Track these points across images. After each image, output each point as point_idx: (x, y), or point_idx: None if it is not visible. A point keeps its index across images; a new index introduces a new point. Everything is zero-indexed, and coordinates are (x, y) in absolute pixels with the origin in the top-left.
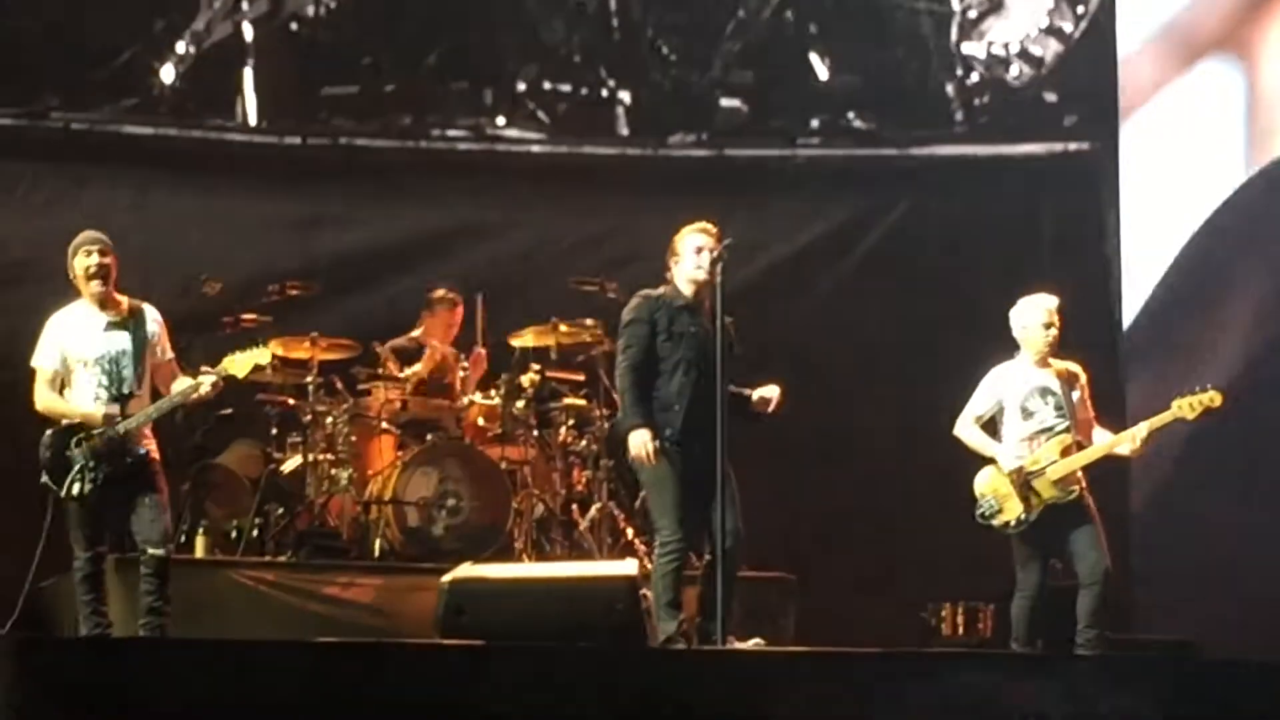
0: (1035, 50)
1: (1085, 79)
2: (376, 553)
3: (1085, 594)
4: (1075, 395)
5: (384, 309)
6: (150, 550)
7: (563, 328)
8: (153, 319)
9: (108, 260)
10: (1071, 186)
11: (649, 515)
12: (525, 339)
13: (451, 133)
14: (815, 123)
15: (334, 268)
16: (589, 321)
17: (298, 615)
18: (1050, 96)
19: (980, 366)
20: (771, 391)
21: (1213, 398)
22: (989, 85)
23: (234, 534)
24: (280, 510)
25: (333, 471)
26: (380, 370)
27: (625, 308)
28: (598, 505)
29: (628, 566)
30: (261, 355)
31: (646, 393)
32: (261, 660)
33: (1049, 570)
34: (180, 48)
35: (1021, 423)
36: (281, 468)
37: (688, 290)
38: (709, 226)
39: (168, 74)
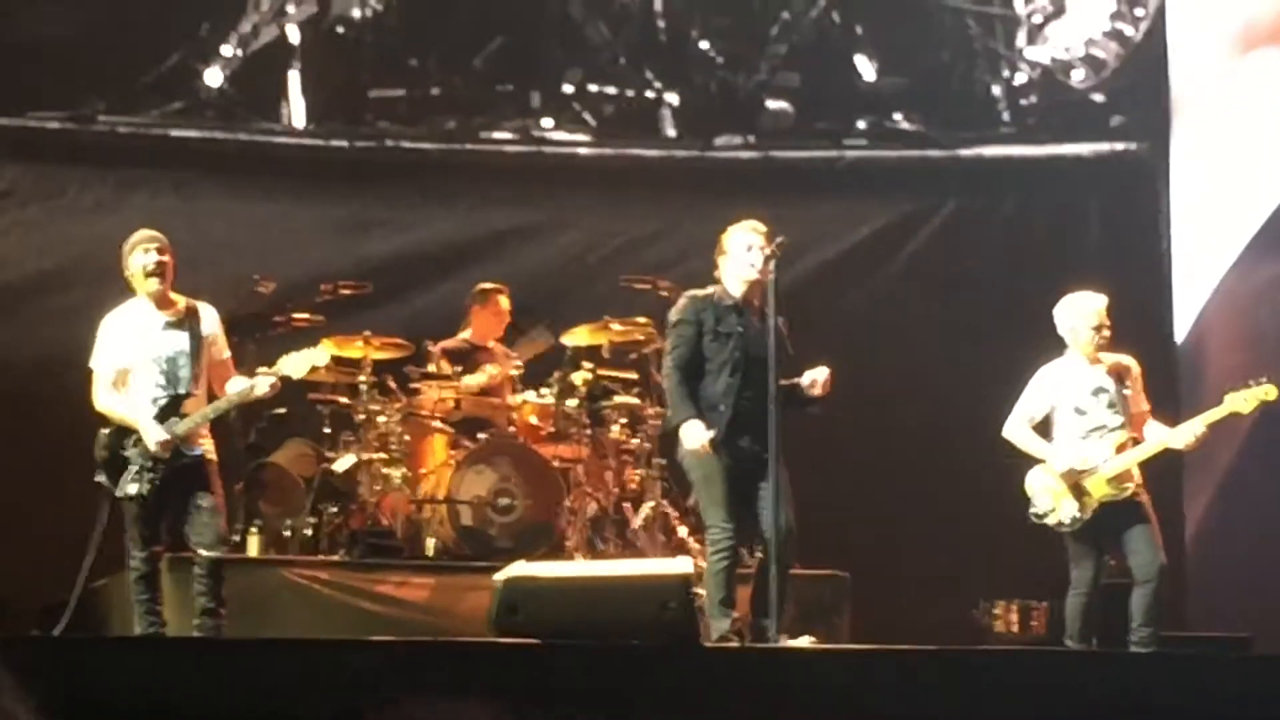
0: (1099, 54)
1: (1135, 80)
2: (430, 551)
3: (1140, 591)
4: (1127, 391)
5: (432, 311)
6: (204, 552)
7: (614, 326)
8: (210, 318)
9: (166, 258)
10: (1120, 187)
11: (700, 513)
12: (577, 337)
13: (498, 135)
14: (861, 124)
15: (381, 270)
16: (641, 320)
17: (352, 614)
18: (1098, 97)
19: (1027, 366)
20: (820, 373)
21: (1268, 391)
22: (1036, 86)
23: (288, 533)
24: (334, 509)
25: (386, 470)
26: (432, 369)
27: (672, 308)
28: (650, 504)
29: (681, 565)
30: (318, 355)
31: (694, 389)
32: (316, 659)
33: (1104, 567)
34: (226, 51)
35: (1075, 423)
36: (334, 467)
37: (737, 289)
38: (759, 224)
39: (214, 77)
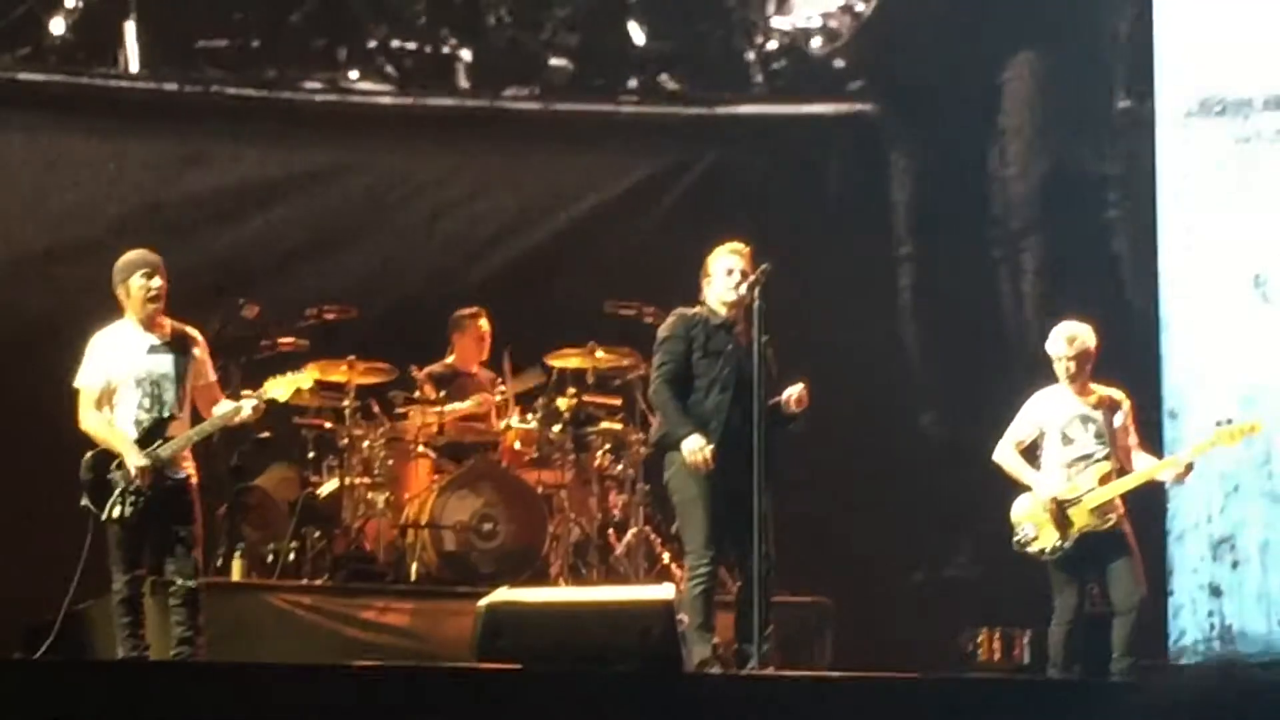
0: (833, 25)
1: (867, 49)
2: (413, 576)
3: (1120, 622)
4: (1116, 422)
5: (252, 240)
6: (181, 582)
7: (599, 352)
8: (196, 343)
9: (161, 283)
10: (856, 145)
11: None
12: (563, 362)
13: (309, 85)
14: (633, 83)
15: (205, 202)
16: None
17: (334, 639)
18: (838, 63)
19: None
20: (795, 389)
21: (1254, 426)
22: (785, 52)
23: (271, 557)
24: (317, 534)
25: (369, 495)
26: (417, 394)
27: (661, 325)
28: (634, 529)
29: (664, 591)
30: (303, 379)
31: (685, 404)
32: (298, 684)
33: (1087, 596)
34: (69, 2)
35: (1061, 450)
36: (318, 491)
37: (721, 311)
38: (740, 247)
39: (57, 26)
